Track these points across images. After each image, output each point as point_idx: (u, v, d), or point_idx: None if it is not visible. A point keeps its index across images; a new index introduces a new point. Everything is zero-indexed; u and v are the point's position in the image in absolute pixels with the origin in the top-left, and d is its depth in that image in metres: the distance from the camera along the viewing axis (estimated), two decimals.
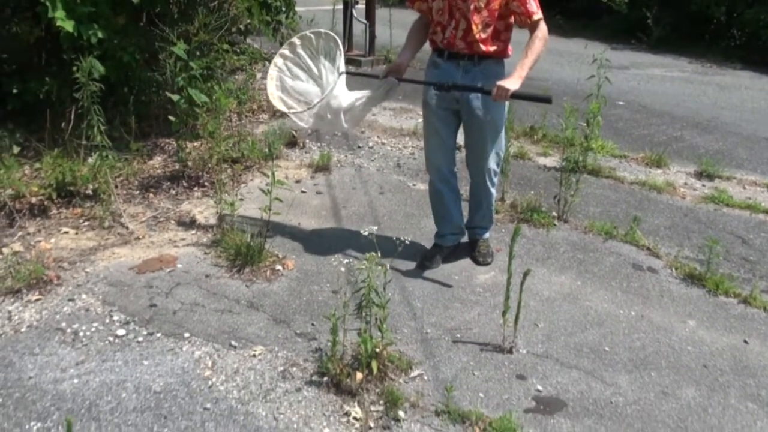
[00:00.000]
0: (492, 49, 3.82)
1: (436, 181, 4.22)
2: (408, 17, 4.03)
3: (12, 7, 5.59)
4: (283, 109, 4.15)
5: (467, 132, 4.06)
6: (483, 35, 3.79)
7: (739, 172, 6.23)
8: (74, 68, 4.45)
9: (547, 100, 3.82)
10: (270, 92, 4.19)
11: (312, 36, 4.20)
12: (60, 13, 4.93)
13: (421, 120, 4.32)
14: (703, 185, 5.89)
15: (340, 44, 4.11)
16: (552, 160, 6.19)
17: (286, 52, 4.23)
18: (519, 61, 3.75)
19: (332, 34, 4.16)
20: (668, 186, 5.76)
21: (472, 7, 3.73)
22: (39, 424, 2.80)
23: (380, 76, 4.05)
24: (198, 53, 5.69)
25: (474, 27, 3.76)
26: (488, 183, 4.19)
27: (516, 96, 3.73)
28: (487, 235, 4.45)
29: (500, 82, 3.68)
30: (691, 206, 5.43)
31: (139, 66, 5.66)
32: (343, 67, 4.08)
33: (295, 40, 4.26)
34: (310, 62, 4.18)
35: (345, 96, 4.02)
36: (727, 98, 9.11)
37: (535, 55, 3.77)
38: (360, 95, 4.03)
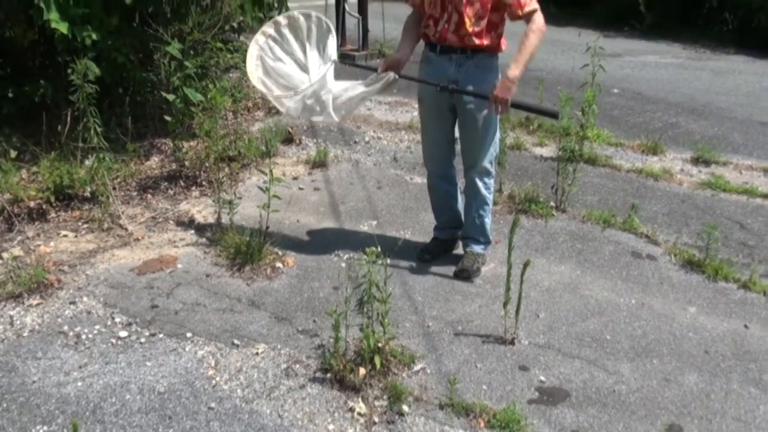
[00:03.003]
0: (485, 43, 3.73)
1: (433, 175, 4.21)
2: (401, 11, 4.02)
3: (5, 11, 5.58)
4: (263, 89, 3.98)
5: (462, 127, 3.98)
6: (476, 28, 3.69)
7: (736, 157, 6.23)
8: (69, 70, 4.44)
9: (554, 115, 3.89)
10: (249, 71, 3.96)
11: (301, 17, 3.97)
12: (54, 15, 4.92)
13: (416, 113, 4.30)
14: (700, 171, 5.90)
15: (333, 29, 3.94)
16: (548, 150, 6.19)
17: (270, 30, 4.00)
18: (515, 57, 3.66)
19: (324, 18, 3.97)
20: (665, 173, 5.76)
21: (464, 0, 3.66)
22: (44, 428, 2.81)
23: (378, 69, 3.85)
24: (192, 52, 5.68)
25: (467, 20, 3.68)
26: (480, 184, 4.03)
27: (519, 107, 3.76)
28: (478, 249, 4.16)
29: (496, 92, 3.64)
30: (689, 192, 5.44)
31: (134, 66, 5.65)
32: (335, 55, 3.92)
33: (281, 18, 4.01)
34: (295, 45, 3.99)
35: (335, 86, 3.85)
36: (722, 83, 9.11)
37: (529, 51, 3.66)
38: (352, 86, 3.86)
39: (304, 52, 3.99)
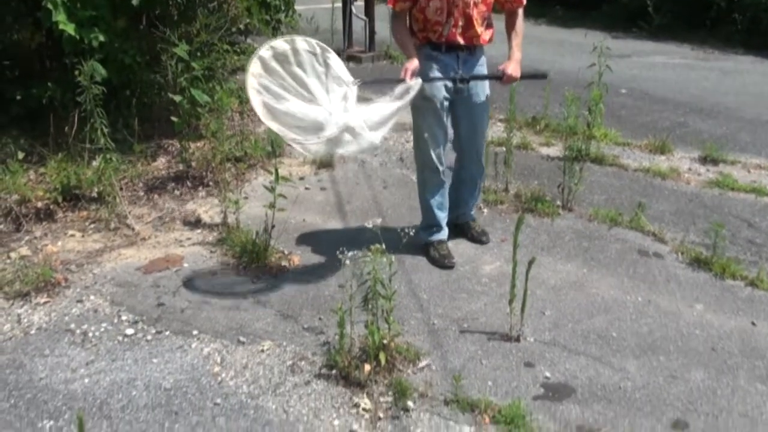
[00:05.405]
0: (487, 38, 4.02)
1: (441, 174, 4.19)
2: None
3: (12, 15, 5.61)
4: (289, 140, 3.54)
5: (466, 118, 4.13)
6: (481, 29, 3.94)
7: (744, 156, 6.21)
8: (76, 72, 4.47)
9: (543, 76, 4.16)
10: (266, 123, 3.51)
11: (283, 44, 3.54)
12: (62, 17, 4.94)
13: None
14: (708, 170, 5.88)
15: (329, 48, 3.63)
16: (555, 150, 6.18)
17: (258, 69, 3.50)
18: (513, 43, 4.01)
19: (312, 40, 3.61)
20: (672, 172, 5.75)
21: (471, 3, 3.83)
22: (51, 423, 2.82)
23: (407, 79, 3.71)
24: (199, 54, 5.70)
25: (475, 23, 3.89)
26: (482, 160, 4.36)
27: (523, 77, 3.99)
28: (474, 213, 4.62)
29: (508, 71, 3.88)
30: (696, 191, 5.42)
31: (141, 68, 5.67)
32: (350, 77, 3.62)
33: (264, 53, 3.51)
34: (288, 79, 3.54)
35: (362, 111, 3.58)
36: (730, 83, 9.08)
37: (522, 36, 4.06)
38: (381, 105, 3.63)
39: (302, 82, 3.56)
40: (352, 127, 3.49)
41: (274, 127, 3.44)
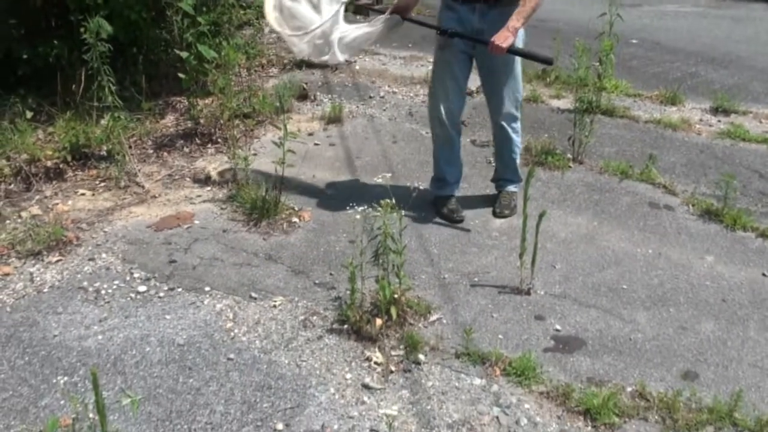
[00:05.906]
0: None
1: (449, 128, 4.15)
2: None
3: None
4: (278, 29, 4.06)
5: (485, 76, 4.05)
6: None
7: (756, 106, 6.13)
8: (82, 29, 4.43)
9: (547, 61, 3.92)
10: (267, 11, 4.04)
11: None
12: None
13: (432, 67, 4.24)
14: (719, 121, 5.82)
15: None
16: (565, 102, 6.11)
17: None
18: (516, 9, 3.69)
19: None
20: (683, 123, 5.69)
21: None
22: (65, 379, 2.86)
23: (386, 13, 4.04)
24: (204, 9, 5.63)
25: None
26: (509, 129, 4.12)
27: (516, 53, 3.80)
28: (512, 188, 4.34)
29: (493, 38, 3.66)
30: (707, 142, 5.37)
31: (146, 24, 5.62)
32: None
33: None
34: None
35: (343, 27, 4.01)
36: (742, 31, 8.94)
37: (531, 6, 3.68)
38: (357, 27, 4.04)
39: None
40: (330, 40, 3.95)
41: (274, 18, 4.00)
